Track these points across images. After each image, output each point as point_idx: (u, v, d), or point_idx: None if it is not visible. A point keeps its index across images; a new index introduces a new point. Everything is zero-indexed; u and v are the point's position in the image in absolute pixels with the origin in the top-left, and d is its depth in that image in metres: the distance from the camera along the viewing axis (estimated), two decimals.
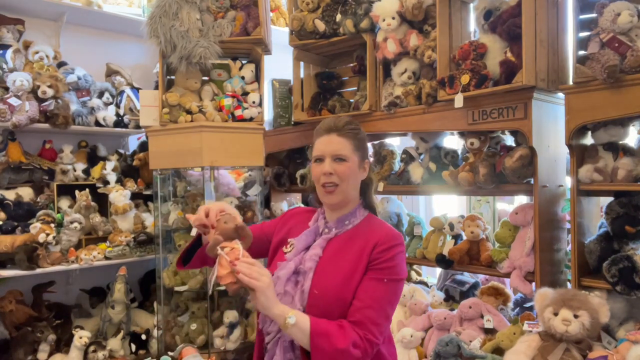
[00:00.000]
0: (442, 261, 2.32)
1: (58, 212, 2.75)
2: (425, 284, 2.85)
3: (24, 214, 2.63)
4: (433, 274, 3.12)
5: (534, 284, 2.00)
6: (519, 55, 1.86)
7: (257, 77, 2.81)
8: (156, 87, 2.87)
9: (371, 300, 1.23)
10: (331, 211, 1.39)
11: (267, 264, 1.44)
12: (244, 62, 2.85)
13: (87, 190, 2.80)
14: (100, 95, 3.00)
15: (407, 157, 2.56)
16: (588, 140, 1.95)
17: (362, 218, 1.39)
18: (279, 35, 3.10)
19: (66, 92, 2.81)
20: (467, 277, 2.59)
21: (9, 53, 2.73)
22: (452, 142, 2.64)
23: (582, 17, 1.85)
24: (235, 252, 1.17)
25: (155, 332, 2.82)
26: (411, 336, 2.21)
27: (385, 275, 1.26)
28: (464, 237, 2.34)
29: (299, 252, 1.34)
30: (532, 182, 1.99)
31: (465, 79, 2.00)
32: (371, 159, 2.63)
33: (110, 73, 3.12)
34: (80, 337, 2.51)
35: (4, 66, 2.70)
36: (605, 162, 1.84)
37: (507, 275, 2.11)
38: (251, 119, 2.72)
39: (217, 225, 1.23)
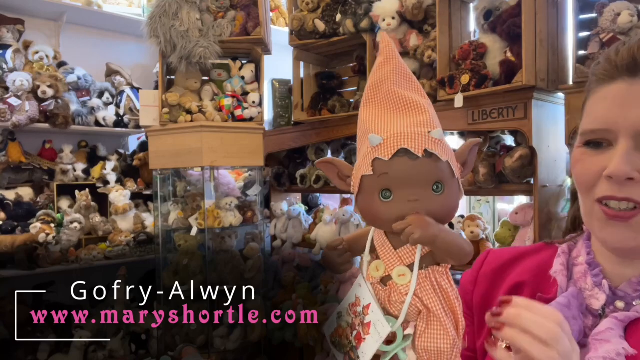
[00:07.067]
0: None
1: (58, 212, 2.75)
2: None
3: (24, 214, 2.63)
4: None
5: None
6: (519, 55, 1.86)
7: (257, 77, 2.81)
8: (156, 87, 2.87)
9: None
10: (619, 262, 0.67)
11: None
12: (244, 62, 2.85)
13: (87, 190, 2.81)
14: (100, 95, 3.00)
15: None
16: None
17: None
18: (279, 35, 3.10)
19: (66, 92, 2.81)
20: None
21: (9, 53, 2.73)
22: (452, 142, 2.64)
23: (582, 17, 1.85)
24: None
25: (155, 332, 2.82)
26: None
27: None
28: (464, 237, 2.34)
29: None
30: (532, 182, 1.99)
31: (465, 79, 1.99)
32: None
33: (110, 73, 3.12)
34: (80, 337, 2.51)
35: (4, 66, 2.70)
36: None
37: None
38: (251, 119, 2.72)
39: None
